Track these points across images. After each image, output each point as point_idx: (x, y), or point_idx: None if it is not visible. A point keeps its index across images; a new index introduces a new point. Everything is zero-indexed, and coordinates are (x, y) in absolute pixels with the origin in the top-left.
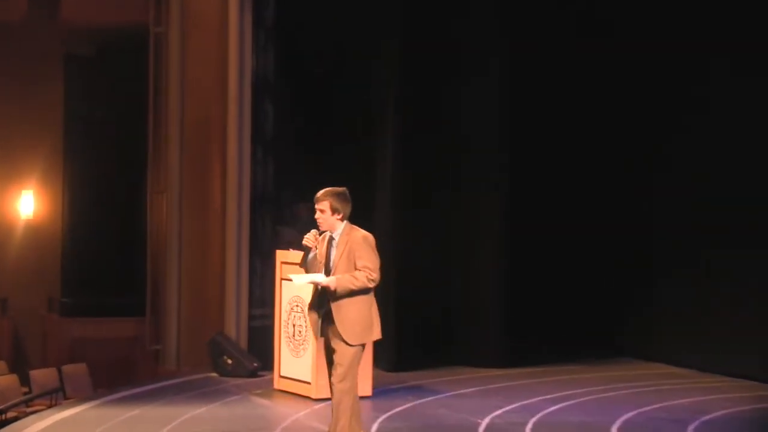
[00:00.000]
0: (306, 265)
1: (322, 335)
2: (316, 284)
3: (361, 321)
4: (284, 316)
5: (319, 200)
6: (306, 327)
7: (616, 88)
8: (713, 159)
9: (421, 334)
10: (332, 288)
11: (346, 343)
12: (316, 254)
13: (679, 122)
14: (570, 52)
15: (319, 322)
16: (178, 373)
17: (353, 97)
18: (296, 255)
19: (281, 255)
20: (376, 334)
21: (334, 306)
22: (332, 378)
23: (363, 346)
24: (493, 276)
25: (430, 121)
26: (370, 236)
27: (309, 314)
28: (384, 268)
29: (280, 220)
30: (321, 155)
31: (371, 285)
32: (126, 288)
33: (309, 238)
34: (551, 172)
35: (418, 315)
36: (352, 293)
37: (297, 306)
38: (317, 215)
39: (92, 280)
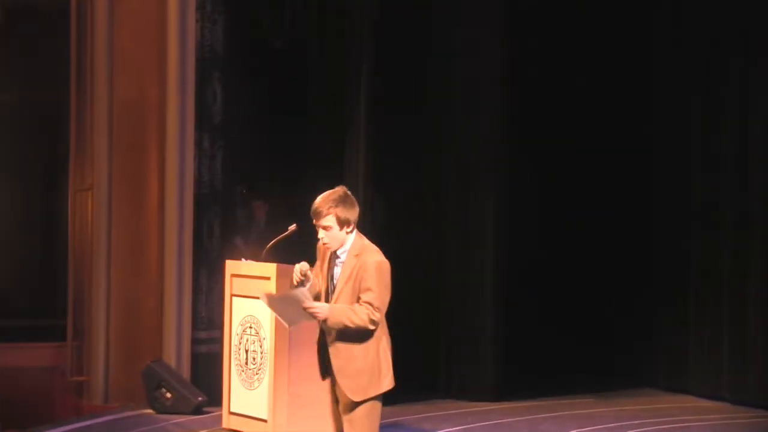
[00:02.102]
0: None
1: (326, 377)
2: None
3: (367, 370)
4: (235, 340)
5: (321, 214)
6: (261, 354)
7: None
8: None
9: (399, 360)
10: (322, 317)
11: (353, 401)
12: (312, 280)
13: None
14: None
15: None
16: (106, 410)
17: (321, 74)
18: (249, 266)
19: (232, 267)
20: (387, 383)
21: (331, 349)
22: None
23: (380, 398)
24: (486, 290)
25: (414, 106)
26: (386, 264)
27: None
28: None
29: (233, 225)
30: (281, 145)
31: (371, 327)
32: (42, 307)
33: (298, 274)
34: (557, 177)
35: (396, 338)
36: (349, 332)
37: (250, 328)
38: (321, 235)
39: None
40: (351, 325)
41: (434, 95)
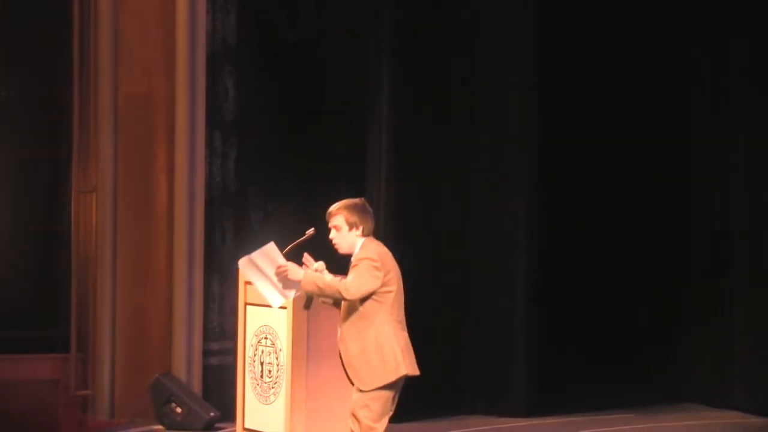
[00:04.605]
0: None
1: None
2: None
3: (368, 361)
4: (249, 352)
5: (331, 214)
6: (277, 366)
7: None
8: None
9: (425, 374)
10: (297, 279)
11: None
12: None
13: None
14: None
15: None
16: (112, 426)
17: (338, 68)
18: None
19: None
20: (393, 374)
21: (339, 340)
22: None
23: (390, 387)
24: (516, 300)
25: (439, 102)
26: (371, 257)
27: None
28: None
29: (246, 229)
30: (297, 143)
31: (345, 296)
32: (44, 316)
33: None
34: (593, 178)
35: (422, 349)
36: (351, 324)
37: (266, 338)
38: (331, 235)
39: None
40: (322, 286)
41: (460, 91)
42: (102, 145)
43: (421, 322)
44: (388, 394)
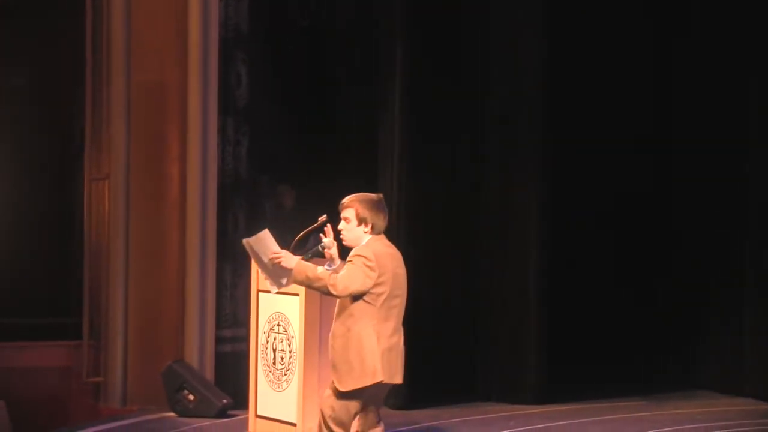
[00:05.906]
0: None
1: None
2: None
3: (351, 358)
4: (262, 339)
5: (344, 206)
6: (290, 353)
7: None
8: None
9: (438, 361)
10: (289, 267)
11: (335, 387)
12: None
13: None
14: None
15: None
16: (124, 413)
17: (351, 55)
18: None
19: None
20: (374, 375)
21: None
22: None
23: (362, 394)
24: (528, 288)
25: (452, 92)
26: (367, 255)
27: None
28: None
29: (259, 216)
30: (310, 130)
31: (332, 291)
32: (57, 304)
33: (328, 243)
34: (608, 164)
35: (435, 337)
36: (341, 323)
37: (278, 325)
38: (340, 226)
39: (11, 294)
40: (311, 277)
41: (473, 82)
42: (114, 132)
43: (437, 314)
44: (356, 405)
